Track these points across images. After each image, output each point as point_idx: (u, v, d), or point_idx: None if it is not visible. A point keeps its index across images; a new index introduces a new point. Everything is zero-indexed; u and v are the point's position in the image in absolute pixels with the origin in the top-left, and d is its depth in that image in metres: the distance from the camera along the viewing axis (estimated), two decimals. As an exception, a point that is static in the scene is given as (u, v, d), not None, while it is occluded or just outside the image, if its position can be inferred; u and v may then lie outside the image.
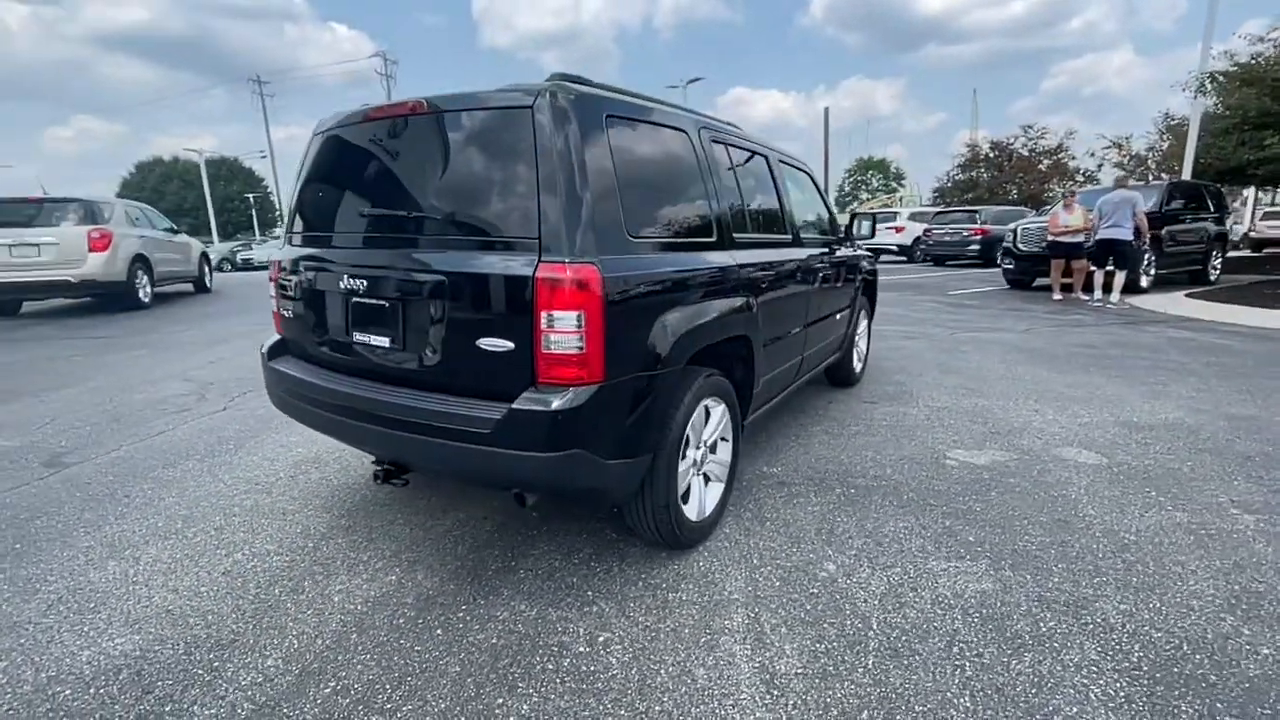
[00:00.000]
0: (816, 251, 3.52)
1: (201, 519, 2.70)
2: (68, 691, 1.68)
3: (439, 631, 1.95)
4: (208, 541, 2.51)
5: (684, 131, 2.38)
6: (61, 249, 8.61)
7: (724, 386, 2.44)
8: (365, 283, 2.04)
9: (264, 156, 49.25)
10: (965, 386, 4.71)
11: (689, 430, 2.28)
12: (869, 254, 4.91)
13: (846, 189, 68.26)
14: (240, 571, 2.28)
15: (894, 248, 19.47)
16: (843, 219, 4.35)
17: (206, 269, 12.55)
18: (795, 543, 2.46)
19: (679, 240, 2.22)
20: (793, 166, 3.59)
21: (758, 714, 1.60)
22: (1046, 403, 4.28)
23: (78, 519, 2.70)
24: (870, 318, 5.01)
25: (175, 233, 11.49)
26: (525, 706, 1.63)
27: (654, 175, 2.21)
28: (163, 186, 48.71)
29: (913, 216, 19.96)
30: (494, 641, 1.90)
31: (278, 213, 54.50)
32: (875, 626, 1.95)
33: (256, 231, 48.87)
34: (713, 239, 2.41)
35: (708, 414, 2.44)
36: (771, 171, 3.14)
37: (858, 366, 4.80)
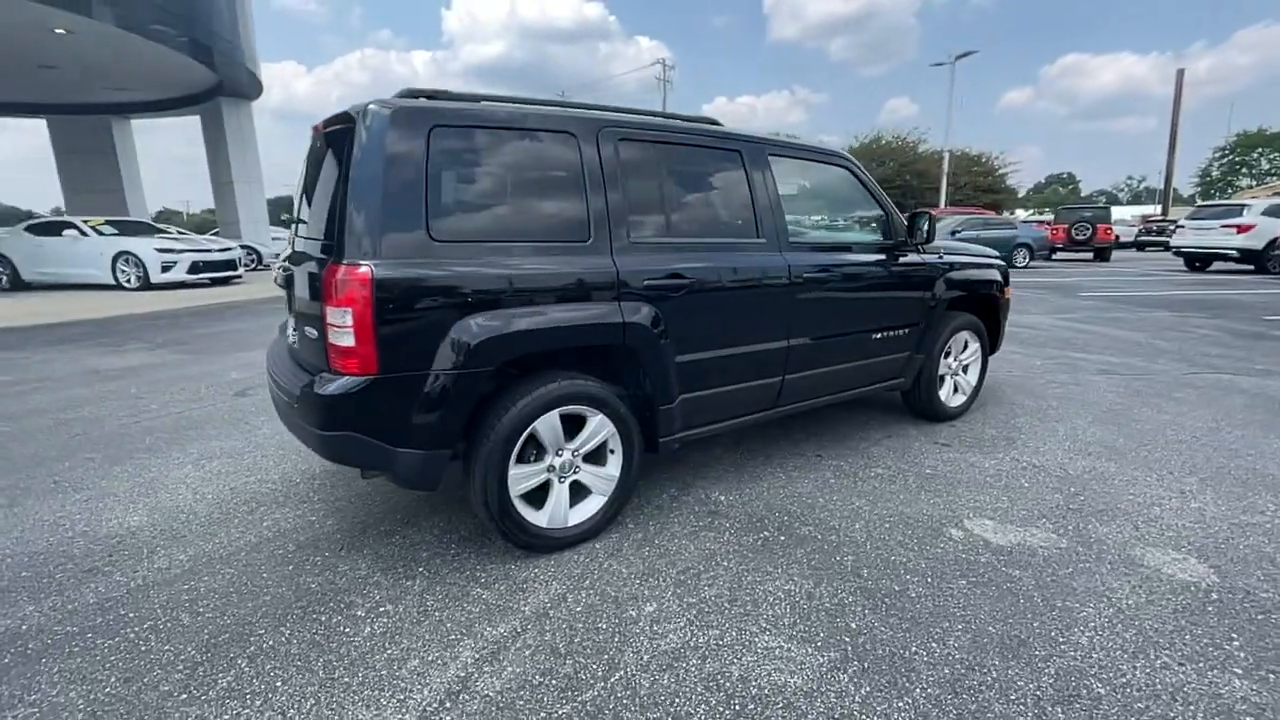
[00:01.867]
0: (826, 258, 3.02)
1: (255, 450, 3.57)
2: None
3: (290, 567, 2.34)
4: (240, 466, 3.32)
5: (566, 133, 2.32)
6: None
7: (596, 395, 2.35)
8: (287, 276, 2.51)
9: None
10: (1106, 445, 3.50)
11: (541, 436, 2.28)
12: (985, 261, 3.94)
13: (1215, 174, 52.10)
14: (239, 490, 3.01)
15: (1231, 252, 14.43)
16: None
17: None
18: (646, 576, 2.26)
19: (516, 243, 2.19)
20: (803, 159, 3.10)
21: (405, 715, 1.62)
22: (1218, 485, 2.97)
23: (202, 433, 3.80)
24: (988, 342, 4.01)
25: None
26: (273, 640, 1.91)
27: (492, 180, 2.22)
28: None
29: (1271, 211, 14.40)
30: (312, 585, 2.21)
31: None
32: (618, 680, 1.75)
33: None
34: (585, 242, 2.31)
35: (578, 422, 2.38)
36: (745, 168, 2.79)
37: (954, 400, 3.91)
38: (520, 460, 2.28)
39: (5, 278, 11.80)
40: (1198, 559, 2.34)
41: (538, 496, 2.37)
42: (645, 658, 1.84)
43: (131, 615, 2.06)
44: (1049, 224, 21.32)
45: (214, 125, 19.03)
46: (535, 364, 2.29)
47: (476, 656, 1.85)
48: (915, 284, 3.46)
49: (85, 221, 11.94)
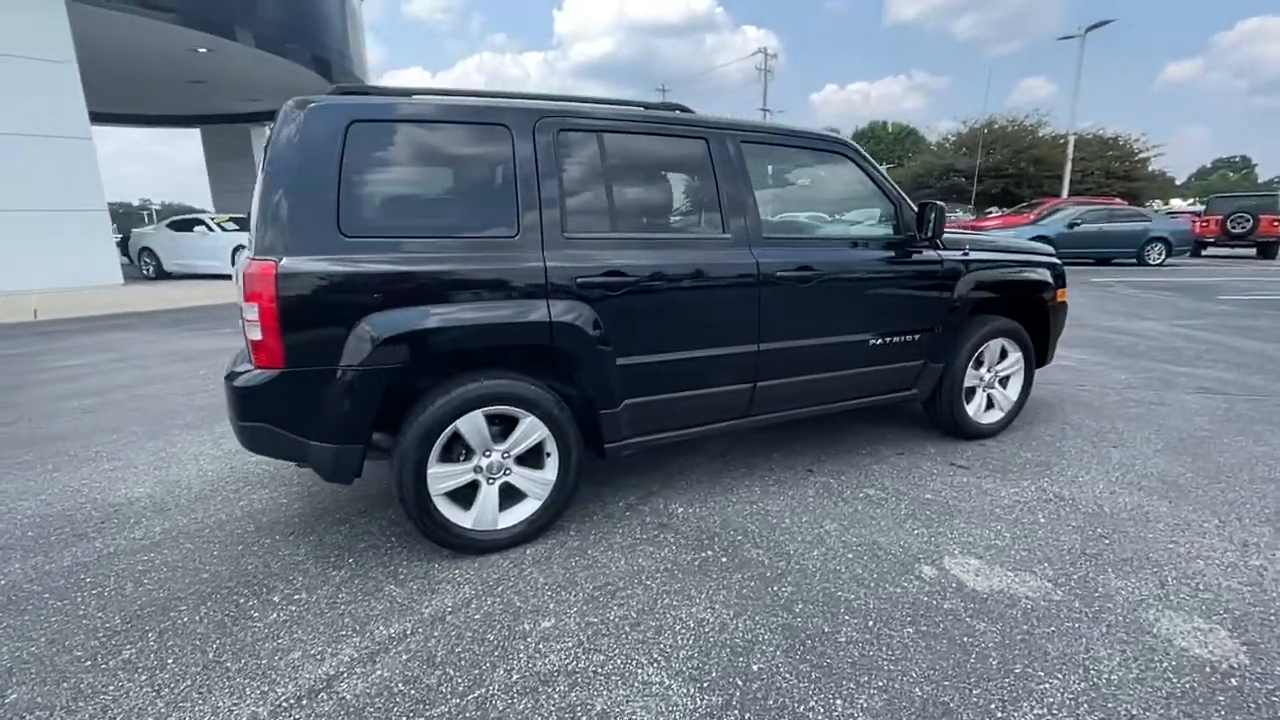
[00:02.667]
0: (809, 255, 2.73)
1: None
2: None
3: (240, 547, 2.45)
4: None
5: (499, 125, 2.24)
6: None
7: (524, 396, 2.27)
8: None
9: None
10: (1167, 479, 2.94)
11: (465, 435, 2.23)
12: (1026, 259, 3.43)
13: None
14: (238, 469, 3.22)
15: None
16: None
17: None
18: (561, 588, 2.15)
19: (434, 239, 2.13)
20: (791, 147, 2.80)
21: (261, 708, 1.63)
22: (1300, 539, 2.40)
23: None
24: (1033, 352, 3.49)
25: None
26: (189, 618, 2.00)
27: (414, 175, 2.17)
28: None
29: None
30: (249, 567, 2.31)
31: None
32: (474, 699, 1.66)
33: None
34: (512, 237, 2.22)
35: (508, 424, 2.31)
36: (711, 158, 2.57)
37: (986, 416, 3.45)
38: (446, 459, 2.25)
39: (151, 268, 13.59)
40: (1230, 632, 1.89)
41: (467, 496, 2.33)
42: (514, 677, 1.74)
43: (89, 580, 2.24)
44: (1198, 215, 18.53)
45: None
46: (469, 362, 2.24)
47: (355, 656, 1.83)
48: (928, 284, 3.06)
49: (212, 218, 13.47)
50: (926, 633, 1.91)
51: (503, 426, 2.32)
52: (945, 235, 3.22)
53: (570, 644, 1.87)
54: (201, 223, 13.35)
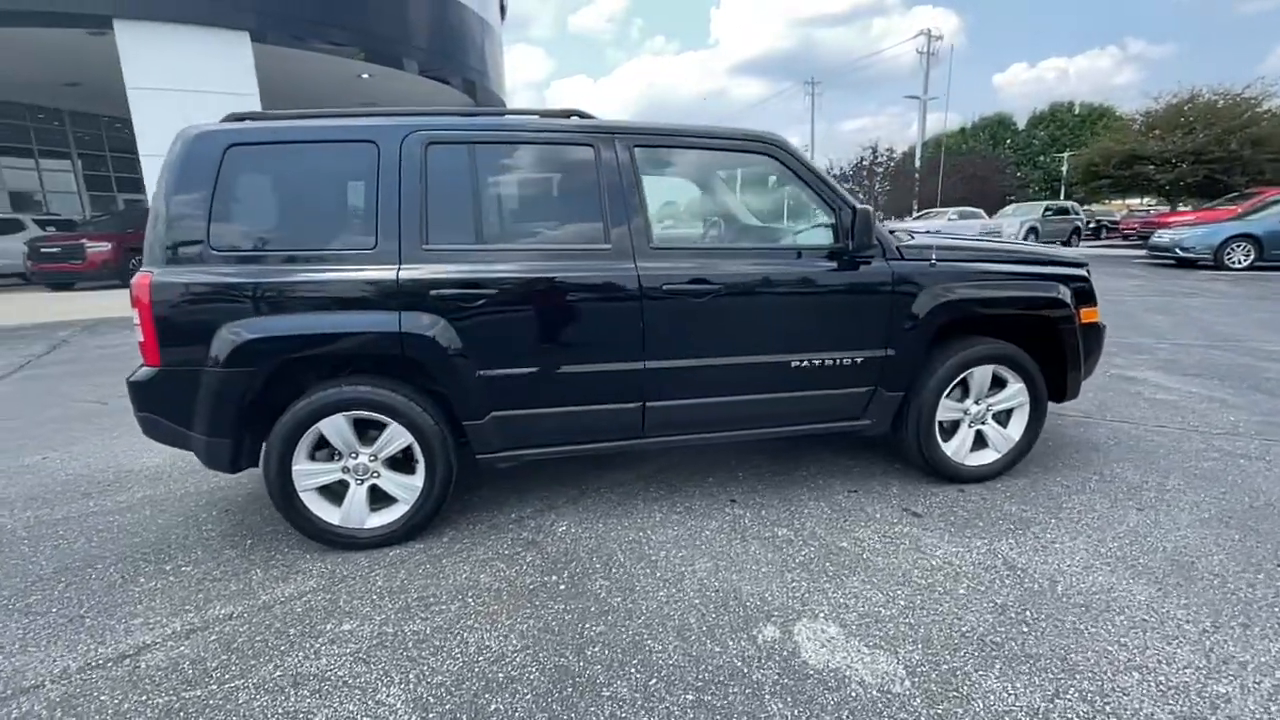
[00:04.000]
0: (707, 267, 2.49)
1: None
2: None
3: (186, 518, 2.81)
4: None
5: (368, 142, 2.31)
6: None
7: (385, 404, 2.34)
8: None
9: (805, 150, 55.67)
10: (1179, 558, 2.27)
11: (330, 438, 2.37)
12: (1029, 271, 2.82)
13: None
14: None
15: None
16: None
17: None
18: (388, 595, 2.19)
19: (296, 252, 2.26)
20: (703, 149, 2.55)
21: (70, 663, 1.87)
22: (1329, 666, 1.73)
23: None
24: (1043, 383, 2.86)
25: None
26: (98, 575, 2.35)
27: (283, 193, 2.30)
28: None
29: None
30: (171, 537, 2.63)
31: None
32: (231, 690, 1.76)
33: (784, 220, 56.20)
34: (370, 250, 2.29)
35: (376, 428, 2.40)
36: (598, 165, 2.42)
37: (975, 456, 2.90)
38: (319, 456, 2.41)
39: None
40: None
41: (341, 494, 2.46)
42: (276, 674, 1.81)
43: (60, 532, 2.71)
44: None
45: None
46: (334, 368, 2.37)
47: (178, 630, 2.03)
48: (871, 299, 2.63)
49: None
50: (707, 704, 1.67)
51: (377, 432, 2.42)
52: (917, 241, 2.78)
53: (349, 651, 1.91)
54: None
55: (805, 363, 2.63)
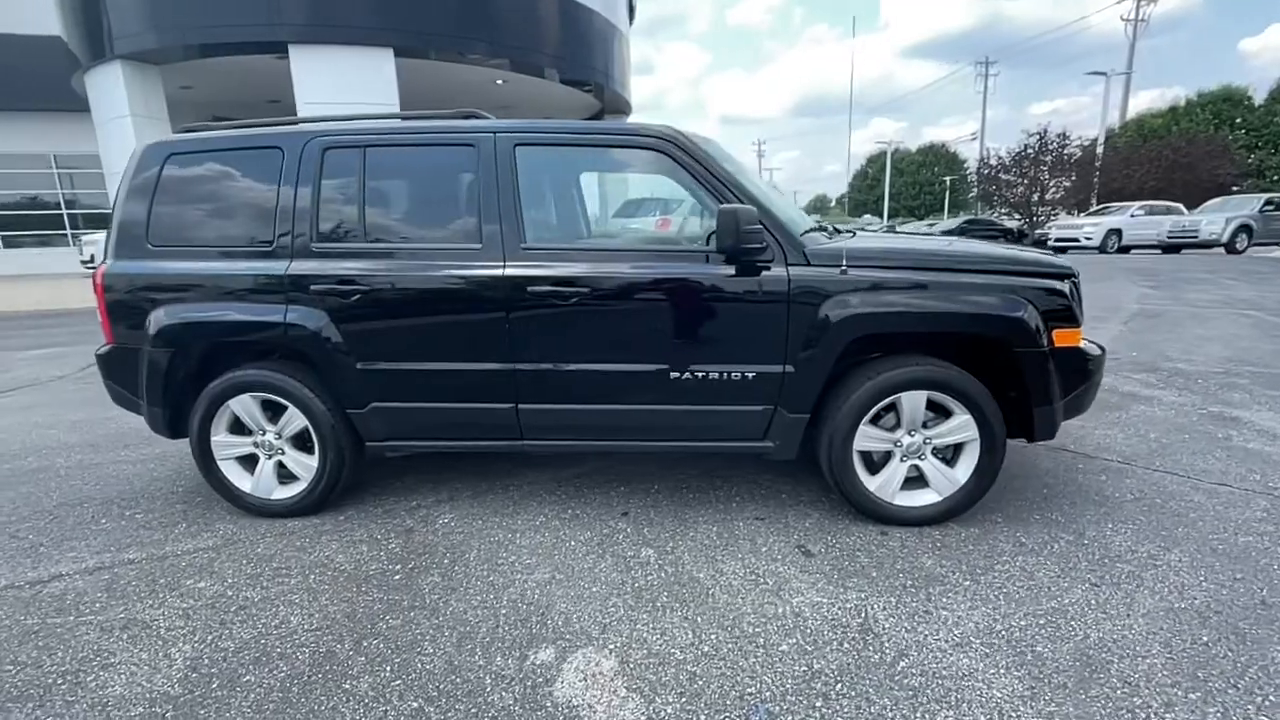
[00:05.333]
0: (578, 269, 2.40)
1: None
2: (154, 429, 4.03)
3: (170, 469, 3.29)
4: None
5: (275, 149, 2.52)
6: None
7: (281, 387, 2.56)
8: None
9: (974, 139, 50.31)
10: (1059, 636, 1.75)
11: (239, 415, 2.65)
12: (977, 282, 2.33)
13: None
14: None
15: None
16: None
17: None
18: (260, 561, 2.40)
19: (212, 249, 2.52)
20: (589, 146, 2.43)
21: None
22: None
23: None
24: (996, 418, 2.36)
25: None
26: (80, 510, 2.85)
27: (206, 196, 2.56)
28: (880, 175, 57.07)
29: None
30: (151, 486, 3.10)
31: (972, 193, 54.71)
32: (82, 628, 2.06)
33: (946, 211, 50.98)
34: (268, 247, 2.49)
35: (273, 408, 2.64)
36: (478, 165, 2.40)
37: (911, 496, 2.49)
38: (236, 430, 2.70)
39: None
40: None
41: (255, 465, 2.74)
42: (119, 617, 2.08)
43: (84, 475, 3.31)
44: None
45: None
46: (244, 353, 2.65)
47: (89, 566, 2.40)
48: (764, 308, 2.35)
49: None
50: (426, 716, 1.64)
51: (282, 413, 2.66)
52: (832, 244, 2.44)
53: (184, 607, 2.13)
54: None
55: (686, 375, 2.43)
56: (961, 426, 2.41)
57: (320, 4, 13.13)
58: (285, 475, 2.73)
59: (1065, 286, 2.37)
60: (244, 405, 2.63)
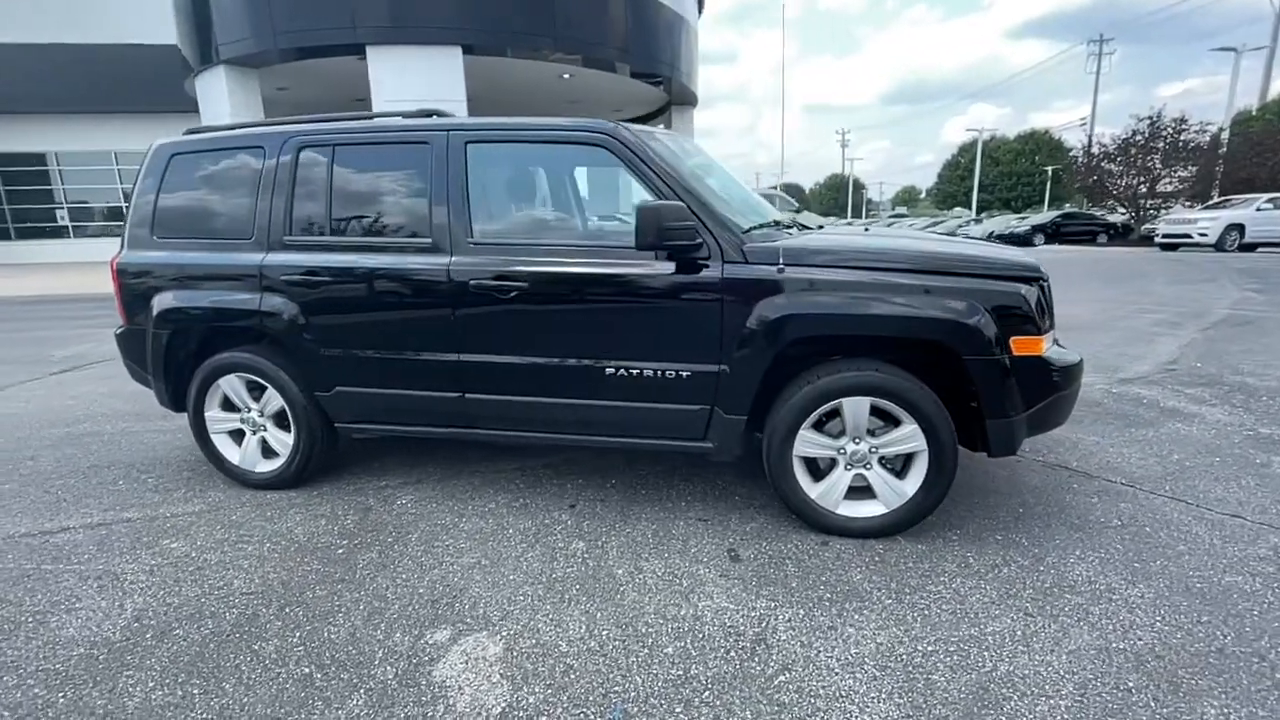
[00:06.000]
0: (519, 264, 2.44)
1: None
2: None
3: (174, 439, 3.64)
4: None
5: (257, 147, 2.71)
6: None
7: (258, 369, 2.78)
8: None
9: (1083, 124, 46.20)
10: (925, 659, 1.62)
11: (227, 393, 2.89)
12: (930, 283, 2.17)
13: None
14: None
15: None
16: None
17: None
18: (223, 527, 2.62)
19: (204, 240, 2.76)
20: (535, 142, 2.46)
21: None
22: None
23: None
24: (946, 429, 2.20)
25: (799, 212, 14.31)
26: (85, 476, 3.22)
27: (201, 191, 2.79)
28: (973, 165, 53.44)
29: None
30: (151, 453, 3.44)
31: (1077, 184, 49.86)
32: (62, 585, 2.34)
33: (1046, 204, 46.98)
34: (249, 240, 2.69)
35: (257, 388, 2.86)
36: (431, 162, 2.48)
37: (853, 506, 2.37)
38: (226, 407, 2.96)
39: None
40: None
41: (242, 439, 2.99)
42: (96, 568, 2.34)
43: (126, 441, 3.70)
44: None
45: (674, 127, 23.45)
46: (231, 337, 2.88)
47: (93, 522, 2.70)
48: (697, 305, 2.30)
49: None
50: (314, 682, 1.76)
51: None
52: (775, 243, 2.35)
53: (150, 564, 2.36)
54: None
55: (622, 371, 2.43)
56: (909, 436, 2.27)
57: (395, 6, 13.79)
58: (268, 451, 2.96)
59: (1027, 290, 2.17)
60: (231, 384, 2.87)
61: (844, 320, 2.22)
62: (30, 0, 18.55)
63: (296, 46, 14.28)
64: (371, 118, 2.79)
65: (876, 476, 2.36)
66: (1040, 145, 50.46)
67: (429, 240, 2.54)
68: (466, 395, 2.61)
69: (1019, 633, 1.86)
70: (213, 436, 2.98)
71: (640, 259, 2.36)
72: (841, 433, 2.36)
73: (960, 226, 27.20)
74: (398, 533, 2.56)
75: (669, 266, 2.33)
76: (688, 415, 2.44)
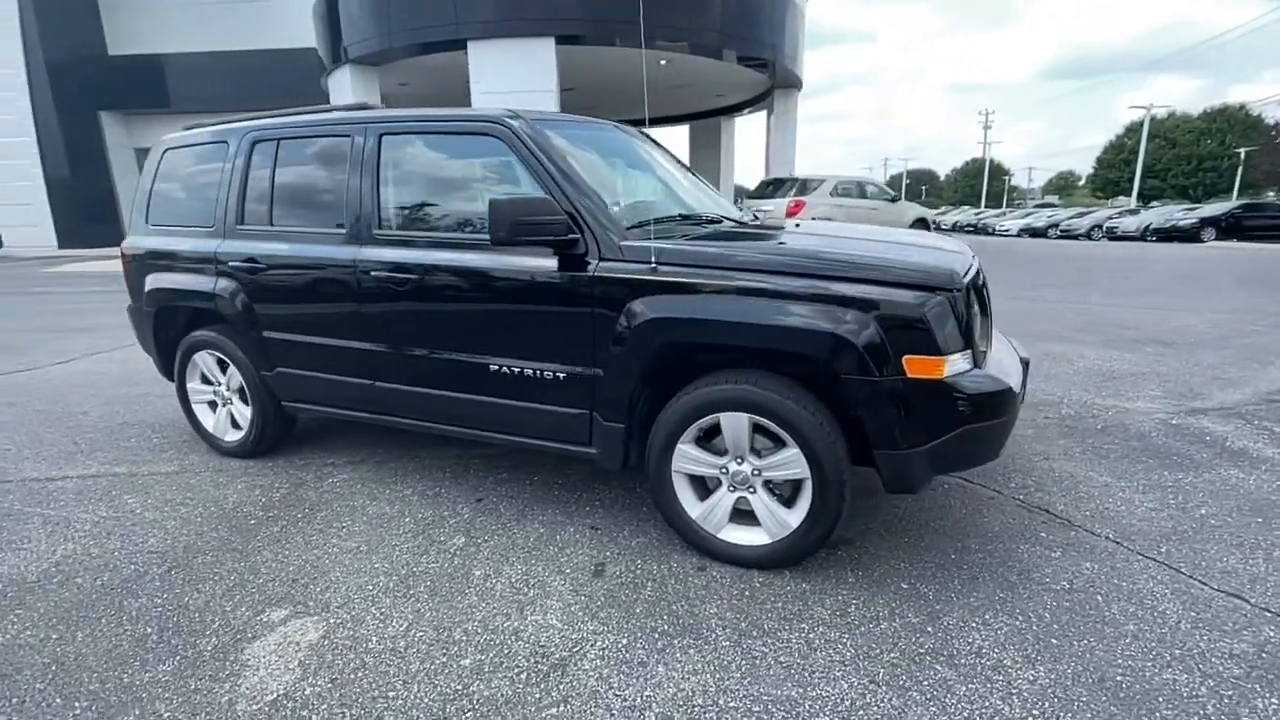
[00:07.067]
0: (410, 255, 2.46)
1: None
2: (236, 372, 4.96)
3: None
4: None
5: (223, 143, 2.92)
6: (773, 214, 12.21)
7: (222, 347, 3.02)
8: None
9: (1291, 97, 38.54)
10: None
11: (201, 368, 3.19)
12: (805, 289, 1.89)
13: None
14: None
15: None
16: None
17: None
18: (176, 489, 2.89)
19: (180, 227, 3.02)
20: (436, 133, 2.47)
21: None
22: None
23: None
24: (831, 455, 1.91)
25: (893, 201, 13.24)
26: (109, 436, 3.68)
27: (183, 181, 3.05)
28: (1137, 147, 46.45)
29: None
30: (158, 418, 3.87)
31: (1266, 166, 41.22)
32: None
33: (1235, 193, 39.76)
34: (210, 228, 2.92)
35: (224, 365, 3.12)
36: (350, 153, 2.53)
37: (737, 531, 2.15)
38: (204, 381, 3.26)
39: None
40: None
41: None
42: (60, 514, 2.67)
43: (161, 405, 4.21)
44: None
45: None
46: (205, 316, 3.15)
47: (92, 473, 3.09)
48: (568, 304, 2.16)
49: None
50: (143, 641, 1.89)
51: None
52: (656, 242, 2.16)
53: (99, 517, 2.66)
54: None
55: (505, 368, 2.36)
56: (791, 461, 2.01)
57: (496, 1, 14.37)
58: (235, 422, 3.22)
59: (926, 300, 1.82)
60: (205, 360, 3.16)
61: (708, 327, 2.00)
62: (212, 15, 21.49)
63: (410, 44, 15.29)
64: (316, 113, 2.91)
65: (760, 502, 2.12)
66: (1231, 124, 42.70)
67: (343, 230, 2.62)
68: (377, 383, 2.67)
69: (847, 703, 1.59)
70: (194, 406, 3.30)
71: (524, 254, 2.28)
72: (723, 451, 2.14)
73: (1109, 219, 23.79)
74: (310, 510, 2.69)
75: (550, 263, 2.23)
76: (569, 418, 2.33)
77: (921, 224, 13.75)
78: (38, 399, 4.33)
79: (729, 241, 2.22)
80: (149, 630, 1.94)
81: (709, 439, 2.17)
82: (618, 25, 15.30)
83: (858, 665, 1.72)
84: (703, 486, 2.24)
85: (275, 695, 1.67)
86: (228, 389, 3.18)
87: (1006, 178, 78.90)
